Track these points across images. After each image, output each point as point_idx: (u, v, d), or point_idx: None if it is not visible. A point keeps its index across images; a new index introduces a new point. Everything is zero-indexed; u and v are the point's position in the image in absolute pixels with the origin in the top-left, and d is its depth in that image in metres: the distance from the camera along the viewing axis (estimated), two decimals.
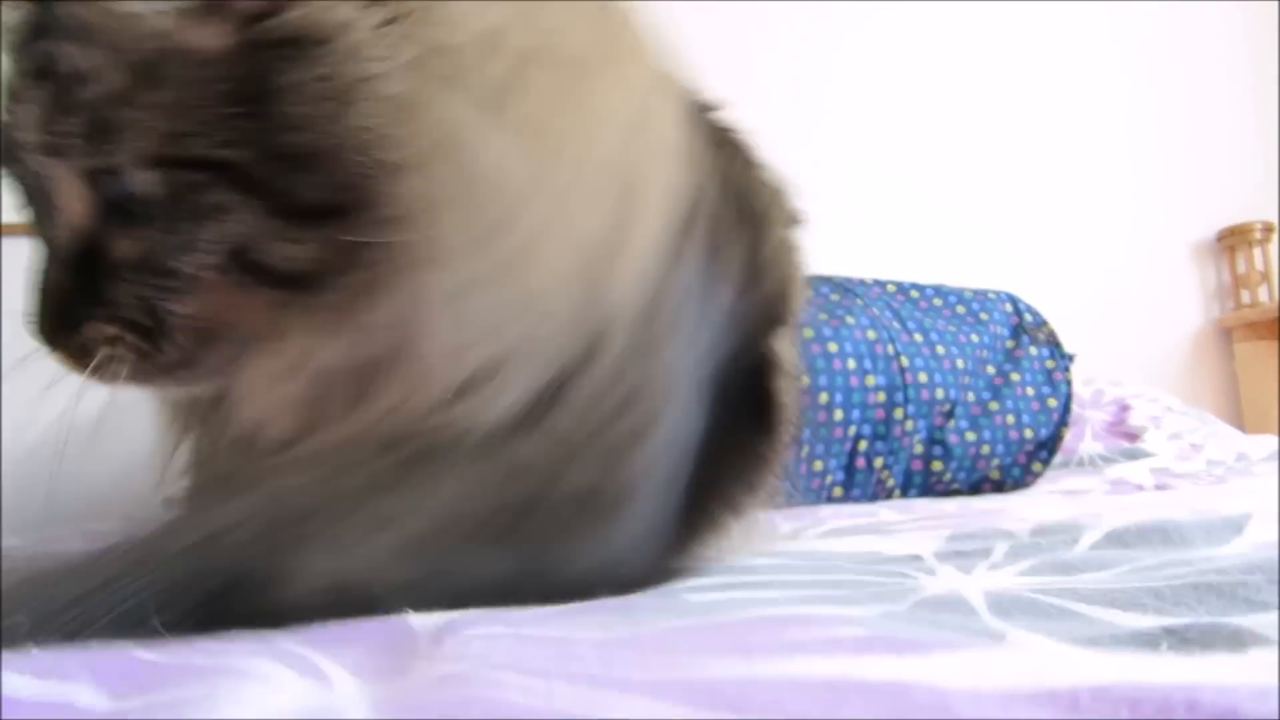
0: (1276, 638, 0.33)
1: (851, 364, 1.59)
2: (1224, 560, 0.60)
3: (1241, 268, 2.64)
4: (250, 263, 0.45)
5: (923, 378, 1.65)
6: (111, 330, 0.46)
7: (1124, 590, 0.47)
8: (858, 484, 1.59)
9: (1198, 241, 2.72)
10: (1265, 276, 2.61)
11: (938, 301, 1.83)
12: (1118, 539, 0.69)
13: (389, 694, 0.33)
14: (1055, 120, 2.74)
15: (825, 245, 2.49)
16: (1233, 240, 2.65)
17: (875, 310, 1.71)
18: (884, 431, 1.62)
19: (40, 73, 0.44)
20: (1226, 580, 0.45)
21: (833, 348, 1.59)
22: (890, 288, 1.84)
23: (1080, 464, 1.96)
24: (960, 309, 1.83)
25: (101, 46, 0.43)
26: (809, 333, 1.59)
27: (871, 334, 1.64)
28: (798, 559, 0.70)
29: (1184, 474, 1.67)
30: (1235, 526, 0.67)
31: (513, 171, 0.45)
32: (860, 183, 2.63)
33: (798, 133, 2.59)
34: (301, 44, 0.43)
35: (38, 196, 0.47)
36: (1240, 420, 2.52)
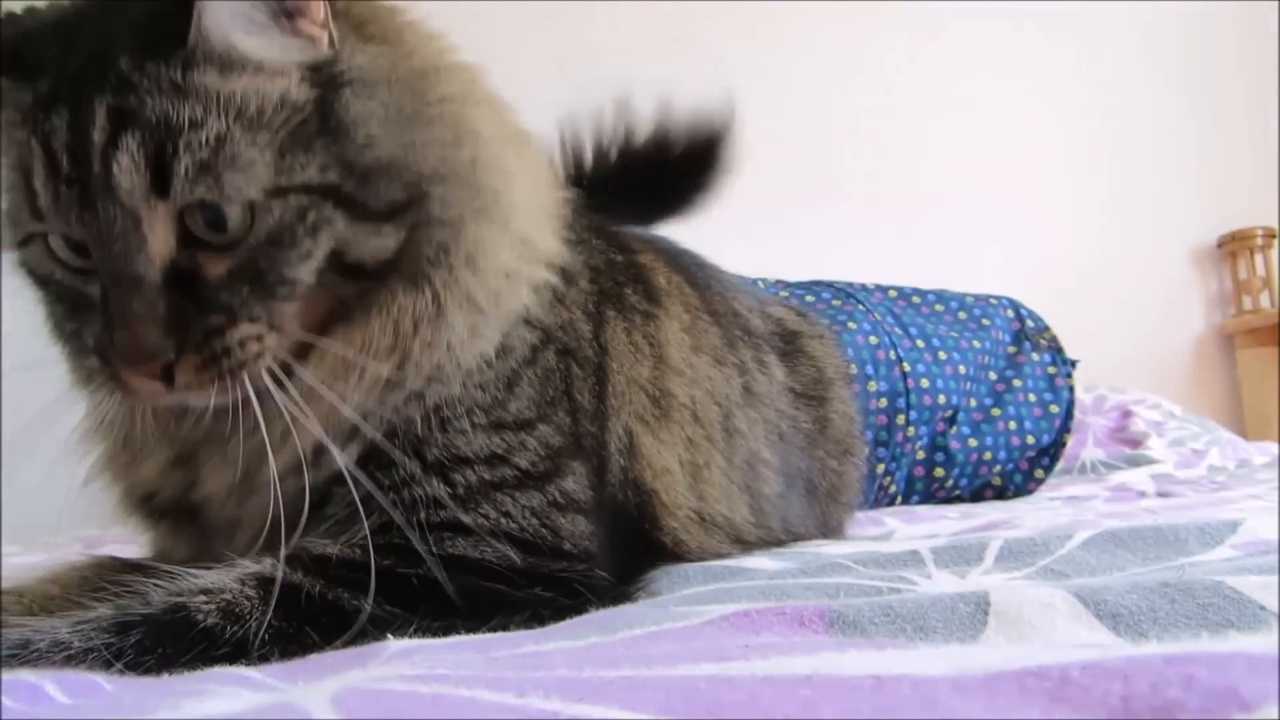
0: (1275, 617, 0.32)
1: (853, 369, 1.59)
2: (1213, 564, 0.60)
3: (1243, 273, 2.65)
4: (345, 264, 0.56)
5: (925, 383, 1.65)
6: (254, 329, 0.55)
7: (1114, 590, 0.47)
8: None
9: (1199, 247, 2.72)
10: (1266, 282, 2.61)
11: (939, 307, 1.83)
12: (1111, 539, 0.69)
13: (346, 687, 0.32)
14: (1057, 126, 2.74)
15: (829, 250, 2.50)
16: (1234, 246, 2.65)
17: (877, 315, 1.71)
18: (886, 438, 1.61)
19: (120, 125, 0.52)
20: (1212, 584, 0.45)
21: None
22: (892, 293, 1.84)
23: (1082, 470, 1.96)
24: (962, 314, 1.83)
25: (202, 101, 0.53)
26: None
27: (873, 339, 1.65)
28: (799, 560, 0.71)
29: (1186, 480, 1.67)
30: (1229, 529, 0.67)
31: (506, 163, 0.64)
32: (865, 187, 2.64)
33: (800, 136, 2.60)
34: (365, 84, 0.57)
35: (112, 238, 0.53)
36: (1242, 426, 2.52)
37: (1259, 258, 2.63)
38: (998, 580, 0.57)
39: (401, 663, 0.39)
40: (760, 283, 1.68)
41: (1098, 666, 0.24)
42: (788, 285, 1.75)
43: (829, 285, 1.80)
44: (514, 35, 2.35)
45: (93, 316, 0.56)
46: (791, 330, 1.07)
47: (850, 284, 1.82)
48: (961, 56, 2.73)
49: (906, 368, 1.64)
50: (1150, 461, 1.88)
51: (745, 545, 0.79)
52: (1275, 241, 2.64)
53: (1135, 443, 2.03)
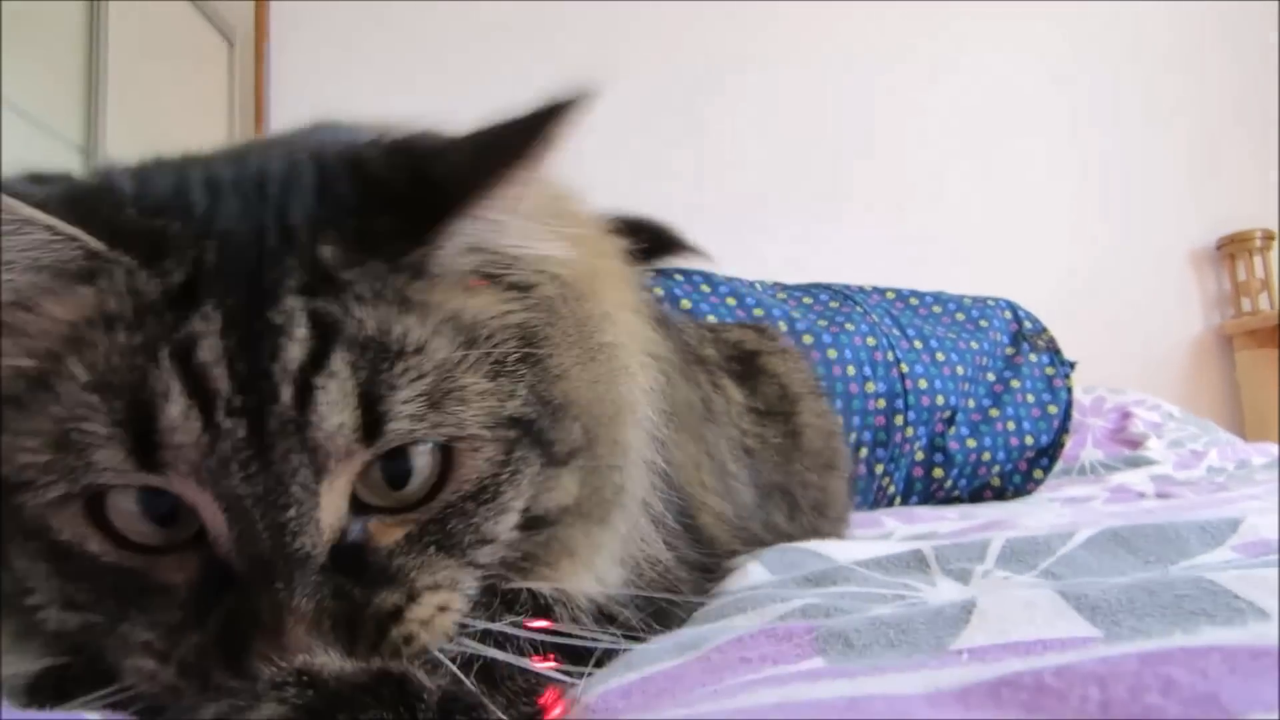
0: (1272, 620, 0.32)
1: (851, 370, 1.59)
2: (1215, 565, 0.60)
3: (1242, 275, 2.65)
4: (531, 515, 0.45)
5: (923, 384, 1.65)
6: (439, 599, 0.41)
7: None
8: (859, 491, 1.59)
9: (1198, 249, 2.72)
10: (1265, 284, 2.61)
11: (937, 309, 1.83)
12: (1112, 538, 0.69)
13: None
14: (1055, 128, 2.74)
15: (829, 251, 2.51)
16: (1233, 248, 2.65)
17: (875, 317, 1.71)
18: (884, 438, 1.62)
19: (326, 340, 0.38)
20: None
21: (832, 354, 1.59)
22: (890, 294, 1.84)
23: (1081, 471, 1.96)
24: (960, 316, 1.83)
25: (433, 319, 0.41)
26: (809, 339, 1.59)
27: (871, 340, 1.65)
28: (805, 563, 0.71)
29: (1185, 481, 1.67)
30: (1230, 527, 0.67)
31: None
32: (864, 190, 2.64)
33: (802, 140, 2.60)
34: (550, 306, 0.47)
35: (284, 498, 0.37)
36: (1241, 427, 2.52)
37: (1258, 259, 2.63)
38: (999, 579, 0.57)
39: None
40: (758, 285, 1.69)
41: (1072, 671, 0.24)
42: (785, 288, 1.76)
43: (826, 288, 1.80)
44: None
45: (157, 611, 0.39)
46: (749, 350, 1.07)
47: (848, 286, 1.83)
48: (960, 58, 2.73)
49: (904, 369, 1.64)
50: (1149, 463, 1.88)
51: (742, 542, 0.79)
52: (1274, 243, 2.64)
53: (1134, 444, 2.03)
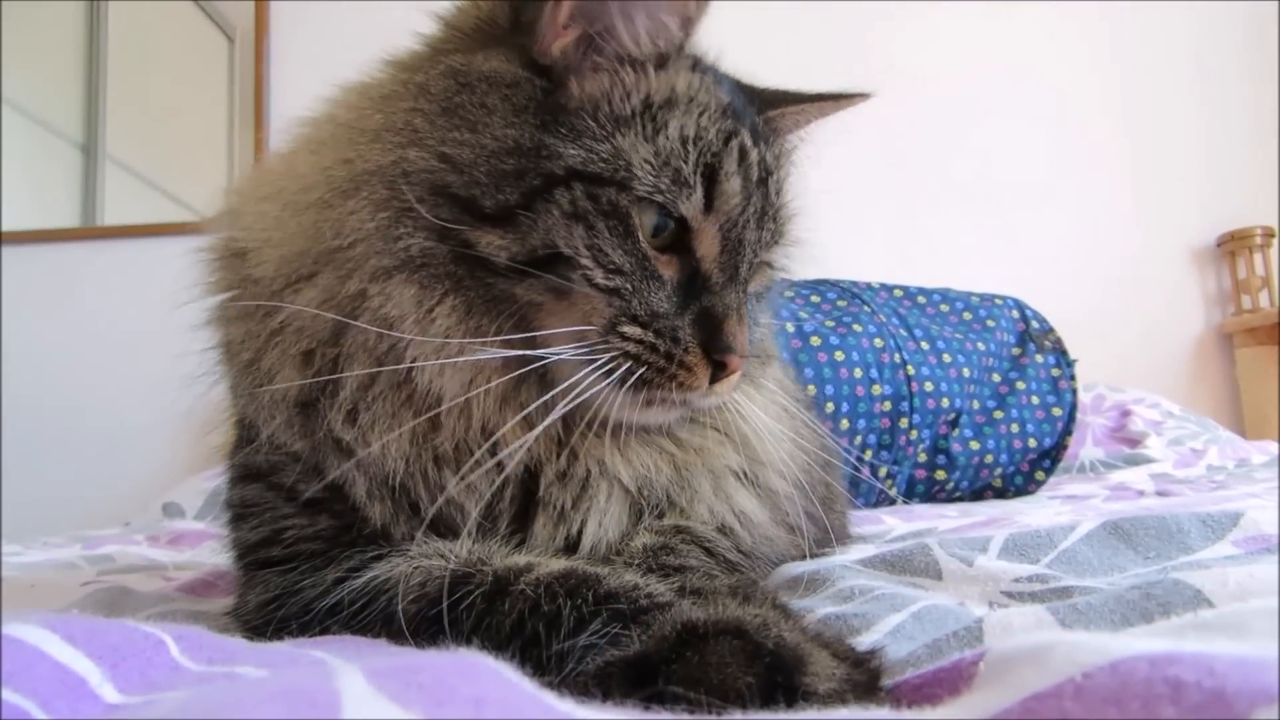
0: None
1: (859, 373, 1.59)
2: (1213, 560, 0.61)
3: (1242, 273, 2.64)
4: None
5: (929, 387, 1.65)
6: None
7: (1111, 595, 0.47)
8: (861, 493, 1.59)
9: (1198, 247, 2.72)
10: (1266, 282, 2.61)
11: (944, 307, 1.83)
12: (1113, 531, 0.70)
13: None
14: (1057, 126, 2.74)
15: (834, 249, 2.50)
16: (1233, 245, 2.65)
17: (883, 317, 1.71)
18: (889, 441, 1.61)
19: (780, 170, 0.72)
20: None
21: (840, 356, 1.59)
22: (898, 292, 1.83)
23: (1081, 469, 1.96)
24: (967, 315, 1.82)
25: (790, 177, 0.73)
26: (817, 340, 1.59)
27: (879, 342, 1.64)
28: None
29: (1184, 480, 1.67)
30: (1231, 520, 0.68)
31: None
32: (869, 187, 2.64)
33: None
34: None
35: (756, 249, 0.68)
36: (1241, 425, 2.52)
37: (1258, 257, 2.63)
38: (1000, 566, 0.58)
39: None
40: None
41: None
42: (791, 284, 1.75)
43: (834, 285, 1.79)
44: None
45: (652, 296, 0.62)
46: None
47: (855, 283, 1.82)
48: (960, 56, 2.73)
49: (911, 370, 1.64)
50: (1149, 461, 1.88)
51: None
52: (1274, 241, 2.64)
53: (1134, 442, 2.03)
